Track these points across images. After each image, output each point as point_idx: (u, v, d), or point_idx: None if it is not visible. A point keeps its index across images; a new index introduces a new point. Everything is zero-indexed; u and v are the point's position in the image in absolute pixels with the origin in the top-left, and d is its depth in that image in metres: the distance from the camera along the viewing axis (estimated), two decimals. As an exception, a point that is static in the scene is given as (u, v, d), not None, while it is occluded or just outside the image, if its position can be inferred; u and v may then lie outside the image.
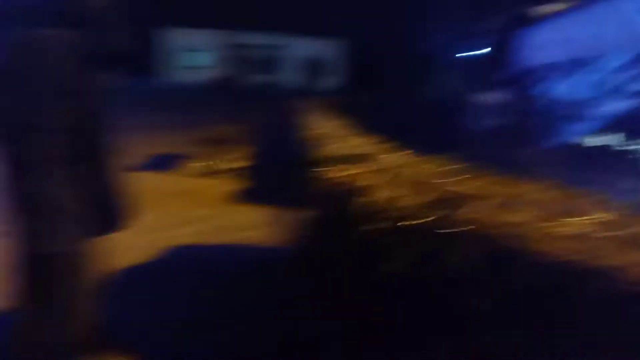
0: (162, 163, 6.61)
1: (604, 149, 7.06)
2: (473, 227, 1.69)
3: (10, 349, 2.12)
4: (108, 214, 2.19)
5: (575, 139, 7.37)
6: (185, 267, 3.35)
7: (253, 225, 4.18)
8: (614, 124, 6.89)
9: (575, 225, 1.66)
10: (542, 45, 8.61)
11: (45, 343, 2.05)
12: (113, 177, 2.16)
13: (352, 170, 2.46)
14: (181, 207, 4.66)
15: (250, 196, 5.17)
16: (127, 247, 2.95)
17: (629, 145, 6.82)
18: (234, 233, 4.00)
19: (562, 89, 7.89)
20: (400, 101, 17.57)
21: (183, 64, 29.58)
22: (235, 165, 6.41)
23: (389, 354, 1.82)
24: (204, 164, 6.34)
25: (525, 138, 7.27)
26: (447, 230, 1.69)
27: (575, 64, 7.57)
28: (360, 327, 1.96)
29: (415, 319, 1.77)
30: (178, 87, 23.91)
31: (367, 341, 1.93)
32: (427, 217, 1.73)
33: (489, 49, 11.82)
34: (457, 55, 22.36)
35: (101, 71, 2.05)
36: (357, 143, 4.51)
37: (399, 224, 1.74)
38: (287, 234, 4.03)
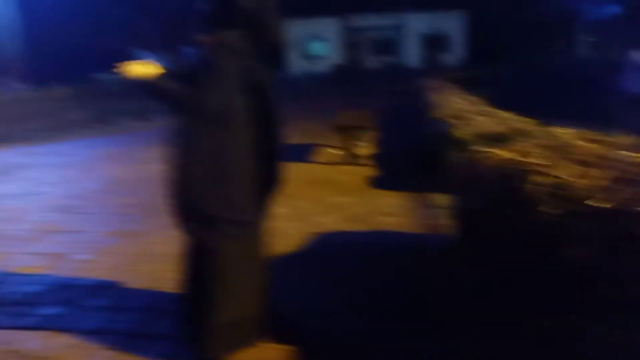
0: (297, 152, 6.85)
1: None
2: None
3: (183, 330, 2.34)
4: (268, 199, 2.33)
5: None
6: (335, 253, 3.42)
7: (395, 211, 4.17)
8: None
9: None
10: None
11: (219, 324, 2.22)
12: (277, 164, 2.30)
13: (510, 149, 2.30)
14: (322, 194, 4.79)
15: (387, 182, 5.15)
16: (278, 233, 3.08)
17: None
18: (377, 219, 4.02)
19: None
20: (533, 72, 16.30)
21: (305, 54, 30.32)
22: (368, 150, 6.43)
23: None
24: (337, 151, 6.44)
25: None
26: (635, 212, 1.51)
27: None
28: (532, 321, 1.84)
29: (601, 314, 1.61)
30: (303, 77, 24.60)
31: (542, 336, 1.80)
32: (610, 198, 1.56)
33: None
34: (591, 16, 20.19)
35: (267, 65, 2.21)
36: (501, 120, 4.23)
37: (579, 206, 1.59)
38: (434, 219, 3.94)
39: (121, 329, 2.59)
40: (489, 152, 2.44)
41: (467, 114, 5.12)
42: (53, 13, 22.08)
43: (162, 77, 2.08)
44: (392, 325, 2.48)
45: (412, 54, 29.77)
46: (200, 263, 2.19)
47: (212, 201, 2.10)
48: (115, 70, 2.07)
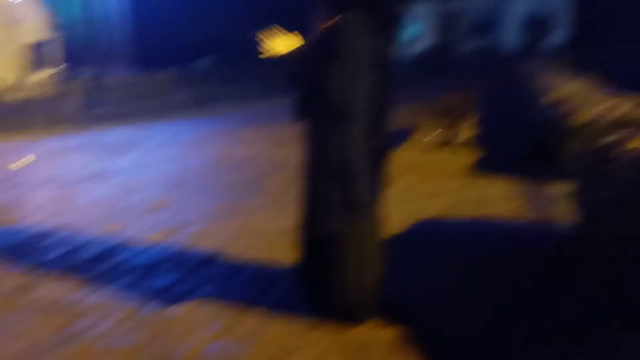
0: (398, 136, 6.72)
1: None
2: None
3: (299, 301, 2.38)
4: (383, 178, 2.30)
5: None
6: (442, 240, 3.31)
7: (504, 198, 3.96)
8: None
9: None
10: None
11: (336, 300, 2.24)
12: (386, 146, 2.26)
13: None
14: (422, 179, 4.66)
15: (492, 167, 4.91)
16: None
17: None
18: (485, 206, 3.84)
19: None
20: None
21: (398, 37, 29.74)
22: (468, 135, 6.18)
23: None
24: (438, 135, 6.25)
25: None
26: None
27: None
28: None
29: None
30: (396, 60, 24.19)
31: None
32: None
33: None
34: None
35: (388, 46, 2.16)
36: (624, 104, 3.89)
37: None
38: (549, 209, 3.71)
39: (233, 299, 2.68)
40: (624, 138, 2.23)
41: (581, 98, 4.75)
42: (158, 3, 23.36)
43: (300, 52, 2.07)
44: (500, 320, 2.36)
45: (511, 36, 28.23)
46: (322, 242, 2.19)
47: (339, 186, 2.08)
48: (258, 43, 2.08)
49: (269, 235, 3.57)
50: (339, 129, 2.06)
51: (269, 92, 13.11)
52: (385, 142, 2.24)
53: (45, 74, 18.96)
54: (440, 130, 6.26)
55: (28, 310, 2.72)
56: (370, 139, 2.13)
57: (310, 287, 2.33)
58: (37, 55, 19.60)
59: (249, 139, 7.65)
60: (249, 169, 5.72)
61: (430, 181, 4.63)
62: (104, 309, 2.68)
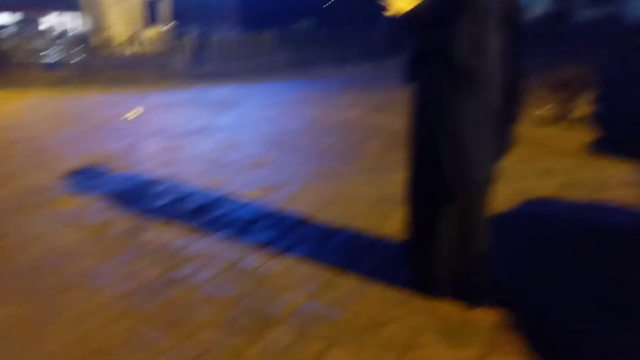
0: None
1: None
2: None
3: (408, 276, 2.33)
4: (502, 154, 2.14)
5: None
6: (552, 222, 3.07)
7: (618, 183, 3.59)
8: None
9: None
10: None
11: (440, 273, 2.16)
12: (515, 117, 2.09)
13: None
14: (533, 156, 4.34)
15: (611, 148, 4.47)
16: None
17: None
18: (601, 190, 3.50)
19: None
20: None
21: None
22: (584, 111, 5.66)
23: None
24: (549, 110, 5.79)
25: None
26: None
27: None
28: None
29: None
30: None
31: None
32: None
33: None
34: None
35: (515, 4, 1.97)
36: None
37: None
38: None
39: (328, 262, 2.68)
40: None
41: None
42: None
43: (423, 8, 1.93)
44: (608, 308, 2.18)
45: (637, 5, 25.40)
46: (430, 215, 2.10)
47: (458, 157, 1.96)
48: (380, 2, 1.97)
49: (363, 201, 3.52)
50: (464, 94, 1.90)
51: (368, 57, 12.89)
52: (515, 111, 2.06)
53: (156, 30, 20.02)
54: (554, 104, 5.78)
55: (138, 252, 2.90)
56: (499, 107, 1.96)
57: (412, 259, 2.25)
58: (150, 12, 20.67)
59: (347, 103, 7.59)
60: (346, 134, 5.67)
61: (541, 158, 4.30)
62: (206, 258, 2.79)
